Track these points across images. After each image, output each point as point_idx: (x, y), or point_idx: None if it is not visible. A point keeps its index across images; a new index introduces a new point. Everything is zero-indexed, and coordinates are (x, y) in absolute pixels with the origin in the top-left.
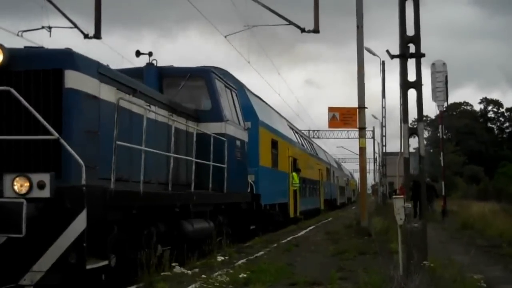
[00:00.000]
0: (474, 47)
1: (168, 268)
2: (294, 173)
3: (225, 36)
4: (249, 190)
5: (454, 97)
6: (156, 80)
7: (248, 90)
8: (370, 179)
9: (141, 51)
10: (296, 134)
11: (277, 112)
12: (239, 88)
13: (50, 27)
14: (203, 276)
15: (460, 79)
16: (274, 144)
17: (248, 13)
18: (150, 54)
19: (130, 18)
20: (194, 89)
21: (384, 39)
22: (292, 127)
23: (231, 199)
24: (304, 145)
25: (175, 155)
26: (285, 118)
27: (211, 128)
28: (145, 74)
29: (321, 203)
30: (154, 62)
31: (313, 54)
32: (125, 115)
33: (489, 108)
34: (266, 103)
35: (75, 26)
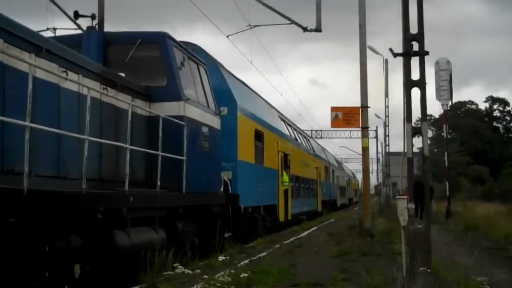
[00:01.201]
0: (482, 44)
1: (170, 269)
2: (283, 171)
3: (227, 36)
4: (222, 189)
5: (461, 95)
6: (98, 48)
7: (226, 70)
8: (373, 180)
9: None
10: (289, 128)
11: (265, 101)
12: (213, 67)
13: (54, 29)
14: (205, 276)
15: (467, 77)
16: (259, 136)
17: (251, 13)
18: (92, 16)
19: (134, 19)
20: (146, 60)
21: (390, 38)
22: (284, 119)
23: (193, 201)
24: (299, 140)
25: (105, 141)
26: (275, 109)
27: (166, 109)
28: (85, 41)
29: (318, 204)
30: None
31: (318, 53)
32: (21, 80)
33: (495, 107)
34: (251, 89)
35: (79, 27)
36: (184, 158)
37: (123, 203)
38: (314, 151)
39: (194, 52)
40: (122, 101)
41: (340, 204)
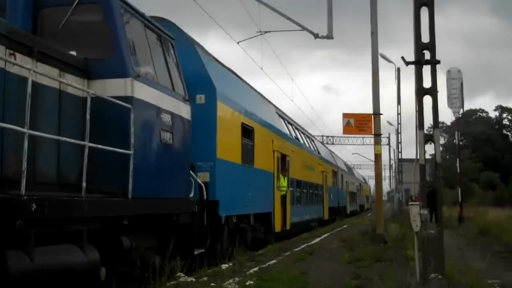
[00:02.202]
0: (493, 55)
1: (178, 277)
2: (281, 174)
3: (238, 42)
4: (192, 194)
5: (473, 104)
6: (26, 11)
7: (205, 51)
8: (386, 186)
9: None
10: (290, 126)
11: (260, 94)
12: (187, 46)
13: None
14: (213, 284)
15: (479, 87)
16: (248, 132)
17: (262, 20)
18: None
19: None
20: (86, 25)
21: (403, 46)
22: (283, 117)
23: (144, 209)
24: (301, 140)
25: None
26: (273, 104)
27: (109, 88)
28: (10, 3)
29: (324, 211)
30: None
31: (331, 60)
32: None
33: (504, 115)
34: (240, 78)
35: None
36: (131, 152)
37: (19, 213)
38: (319, 153)
39: (165, 29)
40: (43, 74)
41: (350, 211)
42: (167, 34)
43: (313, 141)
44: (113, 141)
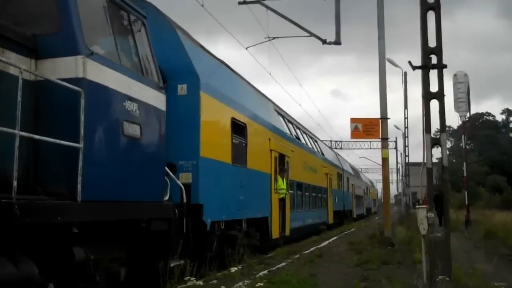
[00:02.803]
0: (501, 58)
1: (188, 280)
2: (279, 176)
3: (246, 48)
4: (167, 197)
5: (480, 107)
6: None
7: (189, 36)
8: (393, 189)
9: None
10: (291, 125)
11: (255, 88)
12: (168, 30)
13: None
14: (222, 287)
15: (486, 90)
16: (239, 128)
17: (271, 26)
18: None
19: None
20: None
21: (413, 51)
22: (282, 114)
23: (99, 214)
24: (303, 140)
25: None
26: (271, 101)
27: (59, 68)
28: None
29: (329, 216)
30: None
31: (340, 65)
32: None
33: (511, 119)
34: (232, 70)
35: None
36: (80, 145)
37: None
38: (323, 155)
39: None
40: None
41: (356, 215)
42: (137, 11)
43: (316, 142)
44: (60, 132)
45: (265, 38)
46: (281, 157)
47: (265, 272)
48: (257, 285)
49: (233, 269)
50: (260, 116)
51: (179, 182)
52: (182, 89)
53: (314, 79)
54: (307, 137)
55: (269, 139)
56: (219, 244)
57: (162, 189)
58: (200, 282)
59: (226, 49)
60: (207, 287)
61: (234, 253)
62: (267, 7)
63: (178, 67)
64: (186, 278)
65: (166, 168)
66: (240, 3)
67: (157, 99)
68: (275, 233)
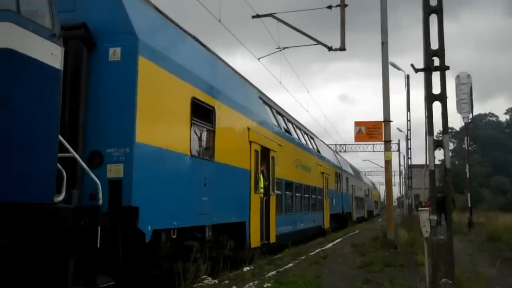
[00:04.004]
0: (507, 57)
1: (202, 280)
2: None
3: (259, 59)
4: (61, 197)
5: (485, 107)
6: None
7: None
8: (396, 192)
9: None
10: (280, 117)
11: (235, 72)
12: None
13: None
14: (234, 287)
15: (492, 90)
16: (203, 111)
17: (281, 37)
18: None
19: None
20: None
21: (415, 55)
22: (269, 104)
23: None
24: (294, 134)
25: None
26: (256, 88)
27: None
28: None
29: (325, 219)
30: None
31: (347, 71)
32: None
33: None
34: (204, 46)
35: None
36: None
37: None
38: (319, 152)
39: None
40: None
41: (356, 218)
42: None
43: (312, 138)
44: None
45: (276, 48)
46: (265, 151)
47: (274, 272)
48: (265, 286)
49: (245, 269)
50: (237, 101)
51: (93, 177)
52: (114, 53)
53: (323, 86)
54: (302, 133)
55: (248, 129)
56: (172, 259)
57: (51, 184)
58: (216, 281)
59: (243, 60)
60: (219, 287)
61: (189, 268)
62: (278, 19)
63: (110, 24)
64: (203, 277)
65: (75, 157)
66: (253, 16)
67: (44, 50)
68: (254, 241)
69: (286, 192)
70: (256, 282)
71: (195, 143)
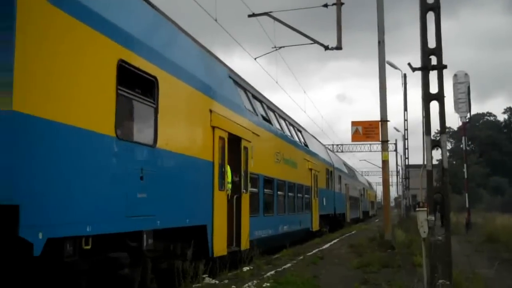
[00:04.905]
0: (507, 56)
1: (201, 280)
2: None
3: (255, 58)
4: None
5: (485, 107)
6: None
7: None
8: (393, 192)
9: None
10: (257, 103)
11: (191, 38)
12: None
13: None
14: (233, 287)
15: (492, 89)
16: (139, 81)
17: (277, 36)
18: None
19: None
20: None
21: (416, 53)
22: (243, 86)
23: None
24: (276, 124)
25: None
26: (227, 67)
27: None
28: None
29: (313, 221)
30: None
31: (345, 70)
32: None
33: None
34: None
35: None
36: None
37: None
38: (307, 146)
39: None
40: None
41: (350, 219)
42: None
43: (300, 131)
44: None
45: (272, 48)
46: (235, 141)
47: (272, 272)
48: (264, 285)
49: (245, 269)
50: (193, 75)
51: None
52: None
53: (321, 85)
54: (287, 124)
55: (211, 111)
56: (89, 277)
57: None
58: (216, 281)
59: (241, 60)
60: (219, 287)
61: None
62: (274, 18)
63: None
64: (203, 276)
65: None
66: (249, 15)
67: None
68: (219, 248)
69: (265, 190)
70: (255, 281)
71: (124, 122)
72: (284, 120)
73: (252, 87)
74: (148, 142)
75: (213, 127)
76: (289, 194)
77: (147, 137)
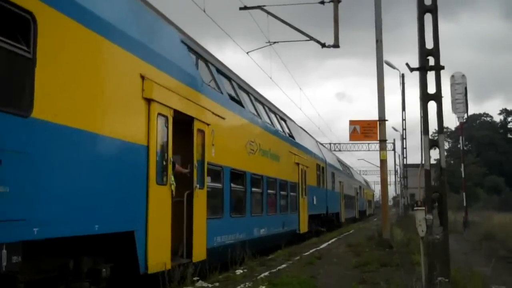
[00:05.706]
0: (505, 59)
1: (190, 282)
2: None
3: (247, 53)
4: None
5: (482, 108)
6: None
7: None
8: (391, 191)
9: None
10: (226, 80)
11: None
12: None
13: None
14: None
15: (489, 90)
16: (3, 16)
17: (273, 31)
18: None
19: None
20: None
21: (414, 53)
22: (202, 55)
23: None
24: (251, 108)
25: None
26: (185, 34)
27: None
28: None
29: (301, 222)
30: None
31: (344, 68)
32: None
33: (509, 119)
34: None
35: None
36: None
37: None
38: (292, 137)
39: None
40: None
41: (345, 219)
42: None
43: (284, 120)
44: None
45: (266, 43)
46: (184, 122)
47: (266, 273)
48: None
49: (237, 271)
50: (109, 22)
51: None
52: None
53: (320, 83)
54: (266, 109)
55: (143, 78)
56: None
57: None
58: (209, 284)
59: (234, 54)
60: None
61: None
62: (268, 13)
63: None
64: (194, 279)
65: None
66: (241, 8)
67: None
68: (157, 261)
69: (233, 186)
70: (247, 284)
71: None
72: (263, 105)
73: (219, 61)
74: (12, 108)
75: (148, 100)
76: (269, 191)
77: (11, 101)
